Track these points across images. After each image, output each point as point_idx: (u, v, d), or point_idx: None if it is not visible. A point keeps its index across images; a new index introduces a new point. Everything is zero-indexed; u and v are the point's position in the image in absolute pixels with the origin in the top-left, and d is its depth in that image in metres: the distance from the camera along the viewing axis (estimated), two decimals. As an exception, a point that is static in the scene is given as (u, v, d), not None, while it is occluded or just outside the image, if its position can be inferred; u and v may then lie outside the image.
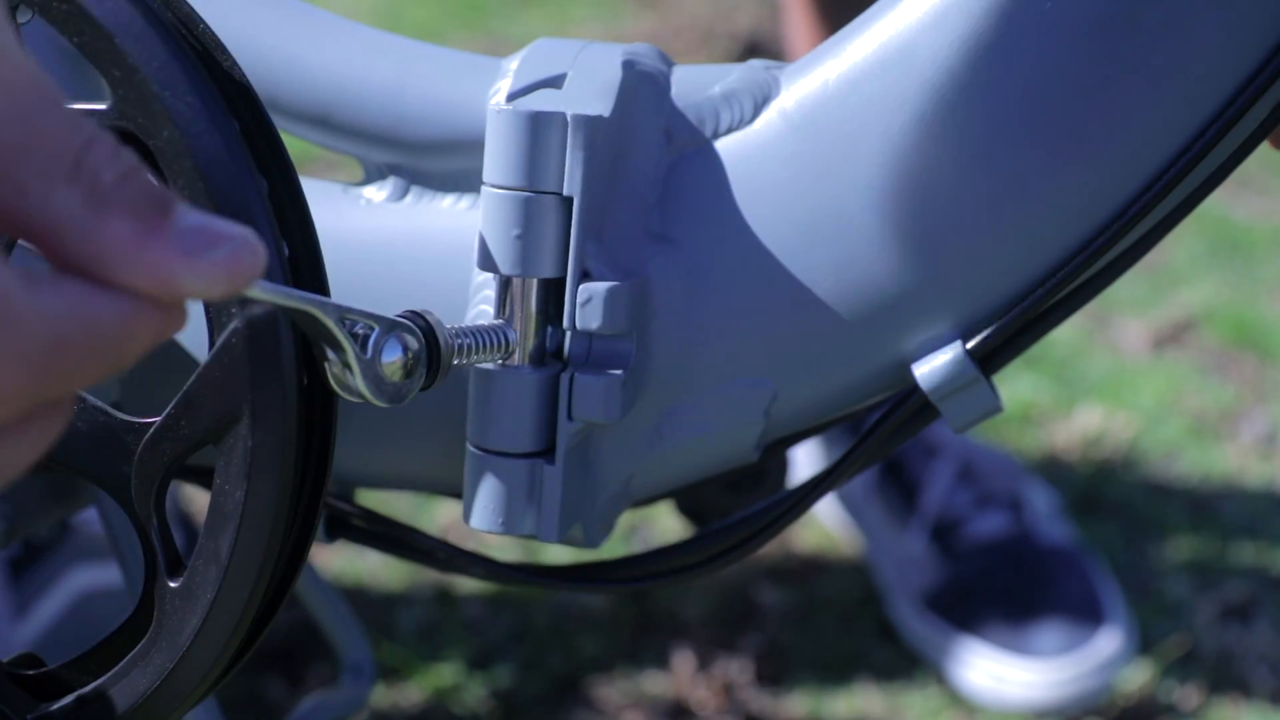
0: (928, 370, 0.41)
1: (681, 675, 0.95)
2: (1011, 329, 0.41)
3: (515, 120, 0.38)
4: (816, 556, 1.07)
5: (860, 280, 0.41)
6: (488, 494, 0.40)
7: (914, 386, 0.42)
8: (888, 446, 0.43)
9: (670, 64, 0.43)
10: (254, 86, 0.38)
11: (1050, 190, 0.40)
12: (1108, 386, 1.26)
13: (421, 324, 0.36)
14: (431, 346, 0.36)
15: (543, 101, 0.40)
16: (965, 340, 0.41)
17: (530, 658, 0.96)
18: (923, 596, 1.00)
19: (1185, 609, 1.03)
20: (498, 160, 0.38)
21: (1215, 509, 1.13)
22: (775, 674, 0.96)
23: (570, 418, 0.40)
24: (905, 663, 0.98)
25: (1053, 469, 1.16)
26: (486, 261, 0.39)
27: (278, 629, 0.96)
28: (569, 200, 0.39)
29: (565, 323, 0.39)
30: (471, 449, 0.41)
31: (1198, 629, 1.01)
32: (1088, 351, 1.31)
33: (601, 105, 0.39)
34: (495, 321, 0.39)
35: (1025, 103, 0.39)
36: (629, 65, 0.41)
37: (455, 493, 0.45)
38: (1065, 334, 1.33)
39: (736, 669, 0.96)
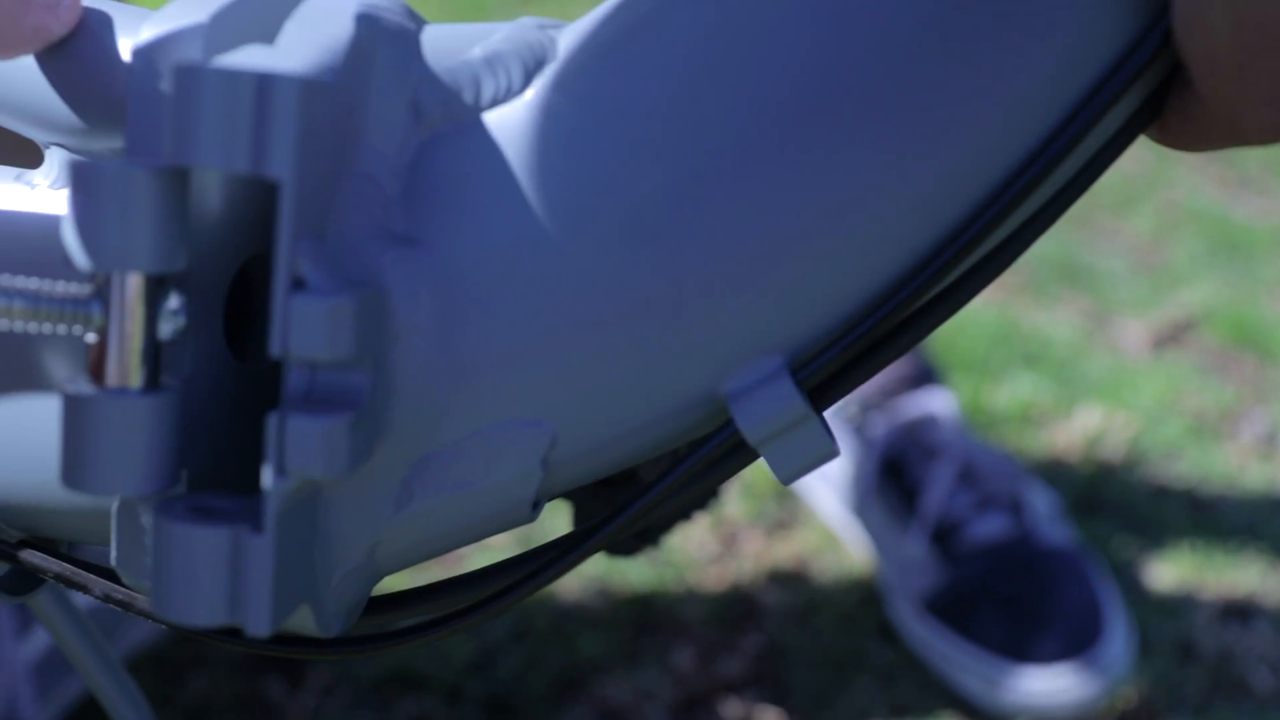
0: (746, 405, 0.33)
1: (681, 675, 0.95)
2: (853, 353, 0.33)
3: (199, 81, 0.29)
4: (816, 556, 1.07)
5: (658, 290, 0.33)
6: (172, 572, 0.30)
7: (729, 421, 0.33)
8: (689, 489, 0.35)
9: (421, 22, 0.34)
10: None
11: (897, 175, 0.32)
12: (1108, 386, 1.26)
13: None
14: None
15: (245, 59, 0.30)
16: (794, 368, 0.33)
17: (530, 658, 0.96)
18: (923, 599, 1.00)
19: (1185, 609, 1.03)
20: (176, 131, 0.29)
21: (1215, 509, 1.13)
22: (775, 674, 0.96)
23: (282, 473, 0.30)
24: (905, 664, 0.98)
25: (1053, 469, 1.16)
26: (75, 254, 0.30)
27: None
28: (261, 183, 0.31)
29: (272, 347, 0.30)
30: (124, 504, 0.32)
31: (1198, 629, 1.01)
32: (1088, 351, 1.31)
33: (324, 65, 0.30)
34: (78, 286, 0.31)
35: (852, 75, 0.32)
36: (365, 20, 0.32)
37: None
38: (1065, 334, 1.33)
39: (736, 669, 0.96)
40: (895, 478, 1.05)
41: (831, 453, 0.33)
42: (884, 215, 0.32)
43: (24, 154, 0.38)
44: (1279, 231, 1.54)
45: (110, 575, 0.37)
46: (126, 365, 0.30)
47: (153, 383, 0.31)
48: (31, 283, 0.30)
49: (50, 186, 0.35)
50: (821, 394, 0.34)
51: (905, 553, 1.03)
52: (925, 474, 1.04)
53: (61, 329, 0.30)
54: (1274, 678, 0.98)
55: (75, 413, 0.30)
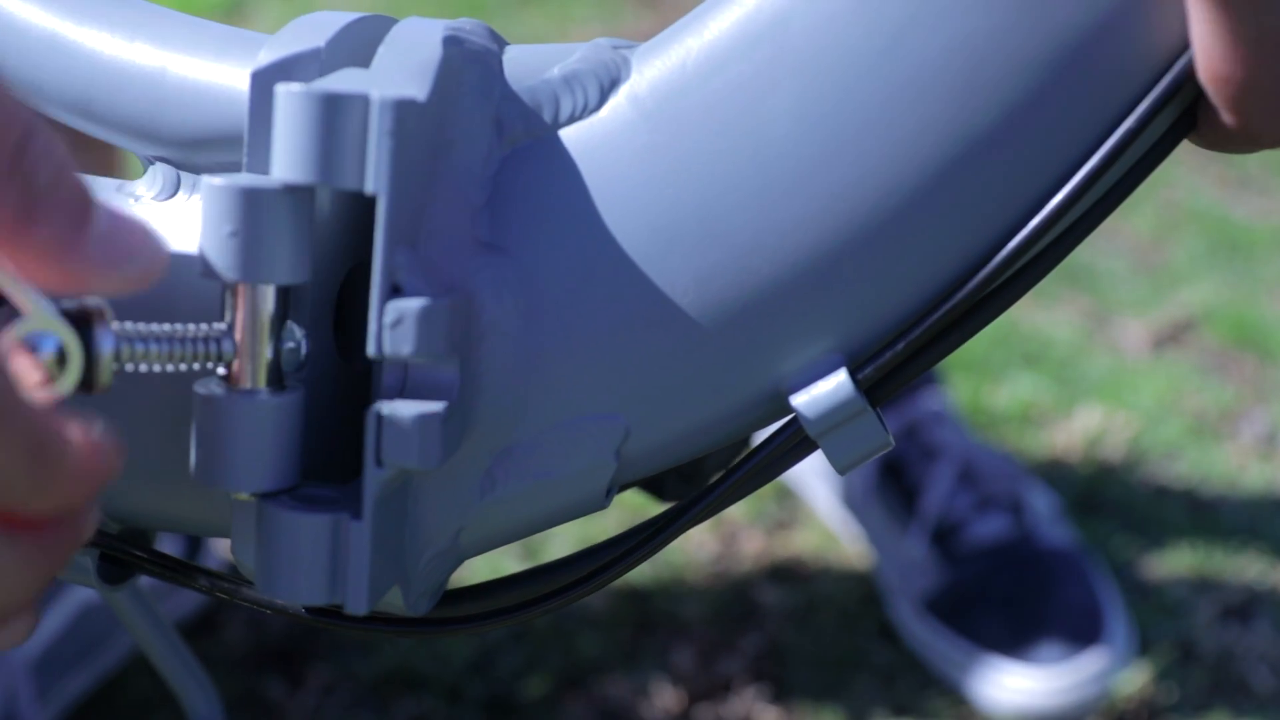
0: (807, 400, 0.35)
1: (681, 675, 0.95)
2: (908, 352, 0.35)
3: (305, 103, 0.31)
4: (816, 556, 1.07)
5: (726, 294, 0.35)
6: (279, 555, 0.33)
7: (793, 417, 0.36)
8: (757, 481, 0.38)
9: (503, 43, 0.37)
10: (17, 70, 0.35)
11: (954, 185, 0.34)
12: (1108, 386, 1.26)
13: (74, 313, 0.30)
14: (87, 341, 0.30)
15: (344, 82, 0.33)
16: (852, 365, 0.36)
17: (530, 658, 0.96)
18: (923, 600, 1.00)
19: (1185, 609, 1.03)
20: (286, 151, 0.31)
21: (1215, 509, 1.13)
22: (775, 674, 0.96)
23: (379, 463, 0.32)
24: (905, 663, 0.98)
25: (1053, 469, 1.16)
26: (206, 267, 0.32)
27: (278, 629, 0.96)
28: (360, 198, 0.33)
29: (370, 347, 0.32)
30: (244, 499, 0.34)
31: (1198, 629, 1.01)
32: (1088, 351, 1.31)
33: (416, 87, 0.33)
34: (210, 327, 0.33)
35: (921, 84, 0.34)
36: (451, 42, 0.34)
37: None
38: (1065, 334, 1.33)
39: (736, 669, 0.96)
40: (895, 478, 1.05)
41: (885, 444, 0.36)
42: (937, 226, 0.35)
43: (98, 163, 0.38)
44: (1279, 231, 1.54)
45: (203, 572, 0.40)
46: (258, 369, 0.33)
47: (279, 384, 0.33)
48: (166, 327, 0.32)
49: (154, 199, 0.37)
50: (876, 390, 0.36)
51: (905, 553, 1.03)
52: (925, 474, 1.04)
53: (196, 367, 0.32)
54: (1274, 678, 0.98)
55: (209, 413, 0.33)
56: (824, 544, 1.08)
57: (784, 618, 1.01)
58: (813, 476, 1.10)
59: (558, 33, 1.77)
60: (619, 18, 1.90)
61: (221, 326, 0.33)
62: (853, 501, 1.07)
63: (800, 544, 1.08)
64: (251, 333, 0.32)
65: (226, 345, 0.32)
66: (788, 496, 1.12)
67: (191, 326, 0.32)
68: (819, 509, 1.10)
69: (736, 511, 1.09)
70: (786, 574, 1.05)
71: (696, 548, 1.06)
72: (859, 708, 0.95)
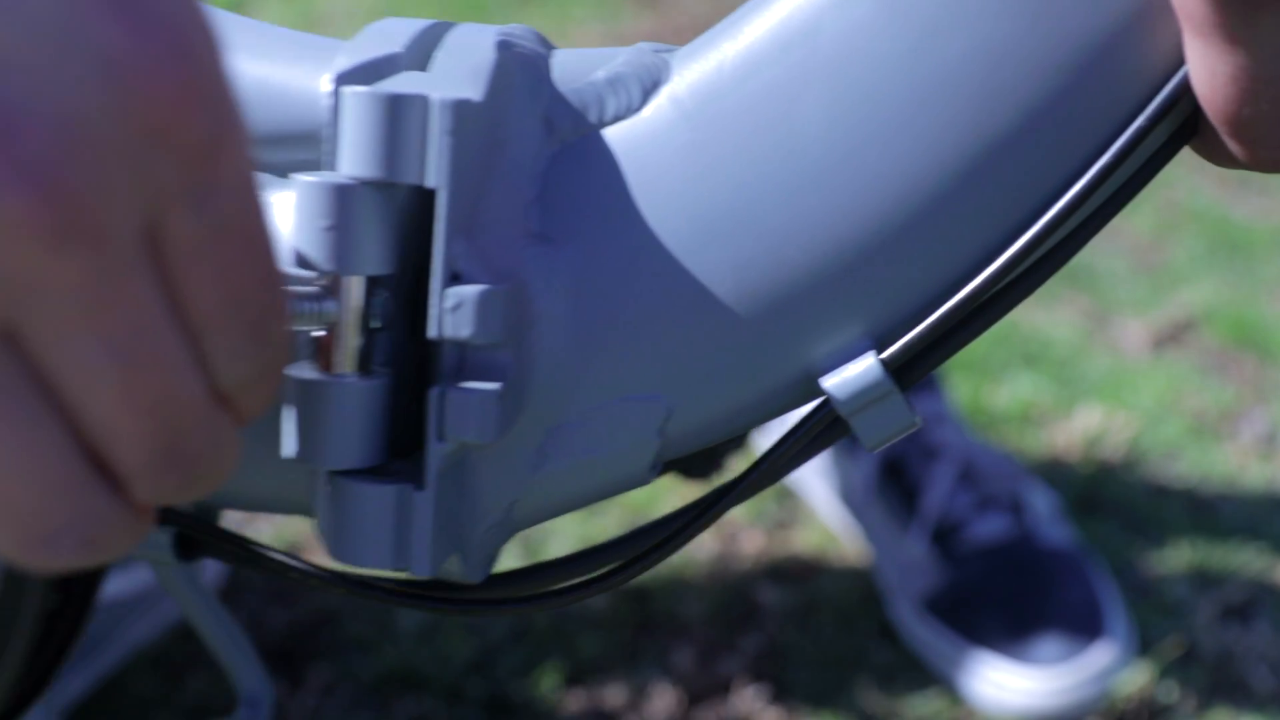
0: (838, 382, 0.38)
1: (681, 675, 0.95)
2: (931, 337, 0.38)
3: (370, 104, 0.33)
4: (816, 556, 1.07)
5: (762, 283, 0.38)
6: (348, 524, 0.36)
7: (825, 400, 0.39)
8: (795, 462, 0.41)
9: (550, 47, 0.40)
10: None
11: (973, 181, 0.37)
12: (1108, 386, 1.26)
13: None
14: None
15: (405, 84, 0.35)
16: (879, 350, 0.38)
17: (530, 658, 0.96)
18: (923, 600, 1.00)
19: (1185, 609, 1.03)
20: (353, 149, 0.34)
21: (1215, 509, 1.13)
22: (775, 674, 0.96)
23: (441, 438, 0.35)
24: (905, 663, 0.98)
25: (1053, 469, 1.16)
26: (300, 259, 0.34)
27: (278, 629, 0.96)
28: (423, 192, 0.35)
29: (431, 330, 0.35)
30: (322, 474, 0.37)
31: (1198, 629, 1.01)
32: (1088, 351, 1.32)
33: (472, 89, 0.35)
34: (309, 288, 0.35)
35: (943, 86, 0.36)
36: (504, 46, 0.37)
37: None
38: (1065, 334, 1.33)
39: (736, 669, 0.96)
40: (895, 478, 1.05)
41: (913, 424, 0.39)
42: (956, 220, 0.37)
43: None
44: (1279, 231, 1.54)
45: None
46: (349, 355, 0.35)
47: (367, 369, 0.36)
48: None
49: None
50: (902, 374, 0.39)
51: (905, 553, 1.03)
52: (925, 474, 1.04)
53: (301, 327, 0.34)
54: (1274, 678, 0.98)
55: (308, 396, 0.35)
56: (824, 544, 1.08)
57: (784, 618, 1.01)
58: (813, 476, 1.10)
59: (557, 32, 1.77)
60: (618, 18, 1.91)
61: (315, 289, 0.34)
62: (853, 501, 1.07)
63: (800, 544, 1.08)
64: (346, 319, 0.35)
65: (329, 306, 0.34)
66: (788, 496, 1.12)
67: (299, 286, 0.34)
68: (819, 509, 1.10)
69: (736, 511, 1.09)
70: (786, 574, 1.05)
71: (696, 547, 1.06)
72: (859, 708, 0.95)
